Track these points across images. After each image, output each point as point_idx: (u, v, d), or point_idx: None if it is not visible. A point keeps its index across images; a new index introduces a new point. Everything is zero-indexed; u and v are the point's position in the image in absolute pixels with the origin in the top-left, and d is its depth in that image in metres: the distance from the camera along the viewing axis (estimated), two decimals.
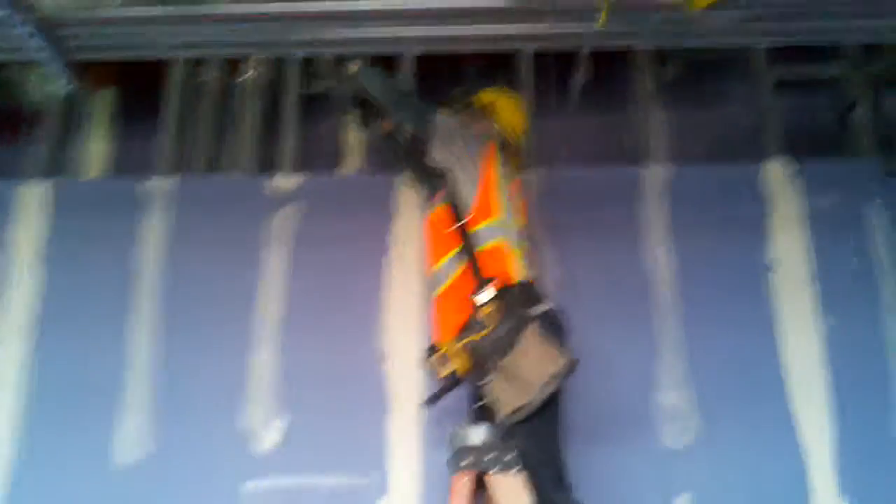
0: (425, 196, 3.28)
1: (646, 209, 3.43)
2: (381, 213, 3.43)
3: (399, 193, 3.46)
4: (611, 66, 3.76)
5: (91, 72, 3.81)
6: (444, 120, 3.09)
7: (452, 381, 2.72)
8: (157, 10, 3.26)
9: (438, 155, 3.02)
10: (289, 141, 3.68)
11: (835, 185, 3.46)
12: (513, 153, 3.21)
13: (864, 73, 3.77)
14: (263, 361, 3.21)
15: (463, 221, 2.89)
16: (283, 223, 3.41)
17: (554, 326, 2.77)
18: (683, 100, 4.04)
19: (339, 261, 3.35)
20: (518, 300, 2.77)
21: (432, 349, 2.75)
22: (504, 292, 2.76)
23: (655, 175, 3.49)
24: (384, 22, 3.36)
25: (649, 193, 3.46)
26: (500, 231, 2.88)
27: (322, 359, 3.22)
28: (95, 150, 4.03)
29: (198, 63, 3.89)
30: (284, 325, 3.26)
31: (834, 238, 3.37)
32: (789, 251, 3.35)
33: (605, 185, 3.50)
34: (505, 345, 2.67)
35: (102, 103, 4.10)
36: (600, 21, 3.03)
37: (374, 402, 3.15)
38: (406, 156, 3.37)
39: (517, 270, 2.84)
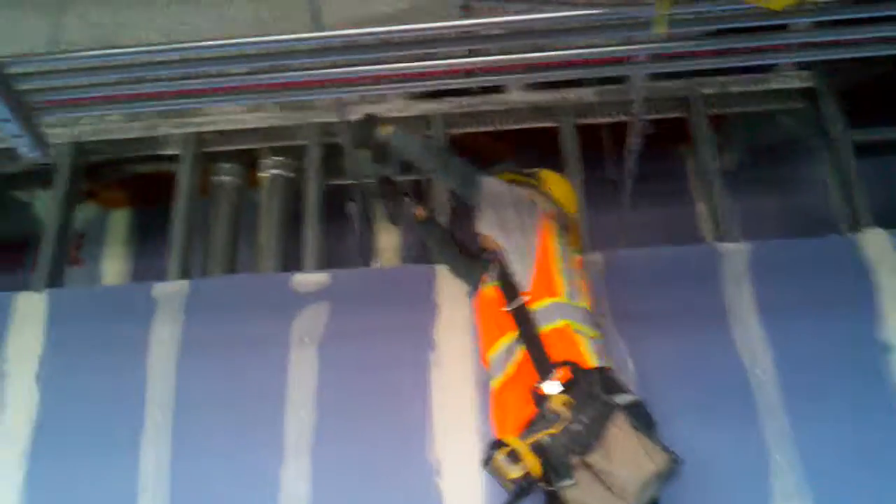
0: (471, 282, 2.91)
1: (728, 290, 3.04)
2: (422, 306, 3.05)
3: (441, 283, 3.08)
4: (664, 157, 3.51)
5: (104, 195, 3.63)
6: (494, 184, 2.76)
7: (524, 487, 2.23)
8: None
9: (487, 225, 2.68)
10: (312, 239, 3.32)
11: None
12: (569, 230, 2.85)
13: None
14: (294, 478, 2.76)
15: (520, 301, 2.53)
16: (311, 322, 3.02)
17: (644, 420, 2.36)
18: (747, 187, 3.83)
19: (377, 360, 2.95)
20: (597, 387, 2.36)
21: (496, 446, 2.29)
22: (578, 378, 2.36)
23: (735, 252, 3.12)
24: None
25: (729, 272, 3.07)
26: (564, 311, 2.51)
27: (364, 472, 2.77)
28: (111, 269, 3.79)
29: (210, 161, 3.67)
30: (317, 435, 2.83)
31: None
32: None
33: (678, 265, 3.12)
34: (588, 440, 2.24)
35: (117, 224, 3.89)
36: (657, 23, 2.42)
37: None
38: (445, 239, 3.03)
39: (589, 354, 2.44)
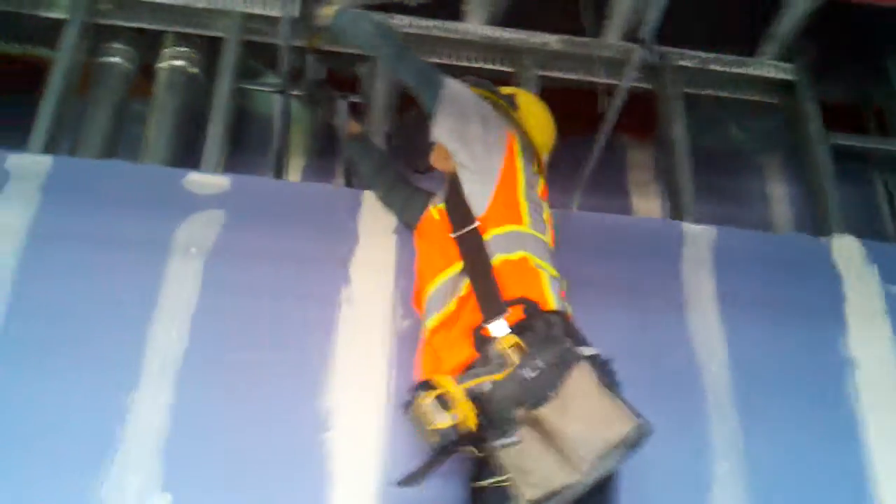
0: (408, 215, 2.57)
1: (688, 274, 2.81)
2: (340, 235, 2.67)
3: (366, 212, 2.71)
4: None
5: None
6: (459, 88, 2.40)
7: (451, 442, 1.88)
8: None
9: (445, 133, 2.32)
10: (215, 138, 2.89)
11: None
12: (538, 165, 2.51)
13: None
14: (148, 408, 2.31)
15: (472, 225, 2.21)
16: (201, 230, 2.60)
17: (610, 379, 2.05)
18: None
19: (277, 287, 2.55)
20: (557, 331, 2.05)
21: (423, 387, 1.94)
22: (533, 320, 2.05)
23: (699, 234, 2.90)
24: None
25: (691, 255, 2.85)
26: (525, 241, 2.20)
27: (237, 413, 2.34)
28: None
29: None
30: (187, 362, 2.39)
31: None
32: (871, 346, 2.76)
33: (636, 237, 2.87)
34: (541, 389, 1.90)
35: None
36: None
37: (312, 483, 2.29)
38: (380, 161, 2.66)
39: (550, 294, 2.13)
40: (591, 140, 3.01)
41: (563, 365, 1.93)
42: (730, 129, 4.08)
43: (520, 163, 2.32)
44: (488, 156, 2.29)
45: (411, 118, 2.59)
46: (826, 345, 2.78)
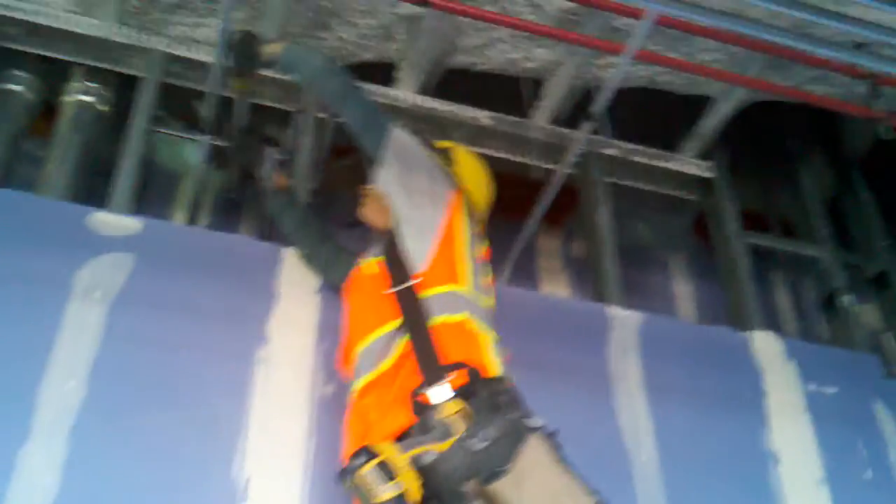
0: (333, 274, 2.47)
1: (615, 360, 2.80)
2: (257, 291, 2.52)
3: (286, 269, 2.58)
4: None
5: None
6: (406, 138, 2.35)
7: None
8: None
9: (389, 183, 2.26)
10: (126, 179, 2.70)
11: (833, 376, 3.04)
12: (476, 223, 2.46)
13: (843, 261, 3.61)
14: (40, 466, 2.05)
15: (410, 282, 2.12)
16: (107, 274, 2.40)
17: (560, 453, 1.94)
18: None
19: (187, 341, 2.36)
20: (503, 399, 1.96)
21: (364, 454, 1.79)
22: (476, 386, 1.95)
23: (625, 318, 2.92)
24: None
25: (617, 339, 2.85)
26: (466, 303, 2.12)
27: (140, 479, 2.10)
28: None
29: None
30: (84, 416, 2.15)
31: (843, 440, 2.90)
32: (793, 442, 2.81)
33: (568, 319, 2.86)
34: (493, 462, 1.82)
35: None
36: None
37: None
38: (304, 217, 2.56)
39: (492, 360, 2.05)
40: (509, 225, 3.01)
41: (514, 436, 1.85)
42: (636, 224, 4.19)
43: (462, 220, 2.27)
44: (431, 209, 2.23)
45: (345, 167, 2.52)
46: (750, 438, 2.81)
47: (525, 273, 3.97)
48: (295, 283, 2.59)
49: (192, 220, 2.82)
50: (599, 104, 2.50)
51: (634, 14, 2.60)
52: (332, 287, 2.56)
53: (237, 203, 3.15)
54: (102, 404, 2.21)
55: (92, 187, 2.91)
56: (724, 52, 3.05)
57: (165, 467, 2.17)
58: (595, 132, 2.67)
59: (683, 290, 4.09)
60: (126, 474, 2.13)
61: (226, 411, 2.30)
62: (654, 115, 3.57)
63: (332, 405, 2.39)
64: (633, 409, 2.72)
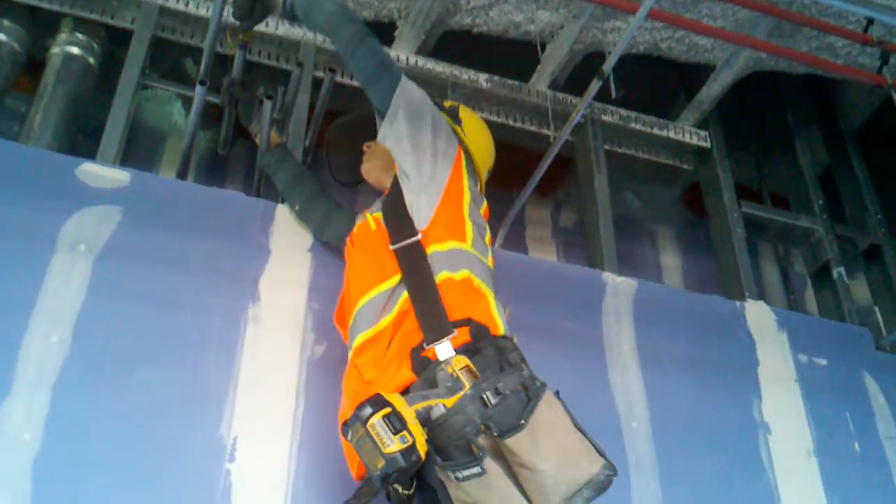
0: (329, 232, 2.39)
1: (609, 325, 2.73)
2: (249, 248, 2.43)
3: (278, 226, 2.48)
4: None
5: None
6: (415, 91, 2.20)
7: (398, 470, 1.63)
8: None
9: (394, 136, 2.11)
10: (114, 128, 2.57)
11: (824, 348, 3.00)
12: (477, 182, 2.36)
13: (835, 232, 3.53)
14: (19, 421, 1.97)
15: (414, 238, 2.01)
16: (93, 226, 2.29)
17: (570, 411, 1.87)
18: (577, 251, 3.60)
19: (175, 297, 2.26)
20: (514, 356, 1.88)
21: (376, 403, 1.68)
22: (481, 343, 1.86)
23: (619, 284, 2.84)
24: None
25: (611, 305, 2.78)
26: (469, 260, 2.02)
27: (123, 434, 2.03)
28: None
29: None
30: (67, 370, 2.06)
31: (832, 412, 2.86)
32: (783, 412, 2.77)
33: (562, 284, 2.77)
34: (509, 418, 1.71)
35: None
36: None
37: None
38: (298, 173, 2.46)
39: (499, 318, 1.96)
40: (497, 194, 2.91)
41: (528, 392, 1.76)
42: (625, 195, 4.11)
43: (466, 179, 2.17)
44: (435, 166, 2.11)
45: (347, 123, 2.41)
46: (742, 408, 2.76)
47: (514, 242, 3.88)
48: (287, 240, 2.49)
49: (180, 177, 2.70)
50: (610, 63, 2.40)
51: None
52: (326, 245, 2.48)
53: (224, 161, 3.03)
54: (86, 360, 2.12)
55: (74, 143, 2.78)
56: (728, 20, 2.98)
57: (151, 425, 2.09)
58: (602, 94, 2.57)
59: (671, 262, 3.98)
60: (110, 432, 2.05)
61: (214, 370, 2.22)
62: (644, 84, 3.49)
63: (323, 366, 2.32)
64: (626, 376, 2.66)
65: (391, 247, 2.03)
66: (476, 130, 2.40)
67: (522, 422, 1.70)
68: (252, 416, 2.17)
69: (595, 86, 2.43)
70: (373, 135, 2.25)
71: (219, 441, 2.11)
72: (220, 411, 2.15)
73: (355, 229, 2.21)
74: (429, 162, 2.11)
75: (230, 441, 2.12)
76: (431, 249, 2.00)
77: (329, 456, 2.13)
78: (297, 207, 2.49)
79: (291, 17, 2.24)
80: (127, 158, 2.71)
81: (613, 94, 2.43)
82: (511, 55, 3.27)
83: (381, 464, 1.64)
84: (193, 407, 2.14)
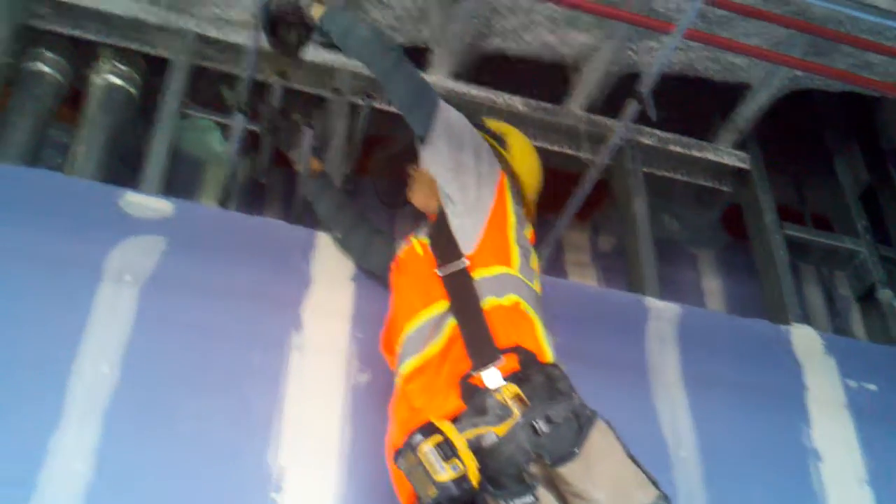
0: (371, 260, 2.42)
1: (652, 353, 2.71)
2: (292, 276, 2.46)
3: (320, 254, 2.51)
4: None
5: None
6: (454, 115, 2.23)
7: (451, 498, 1.64)
8: None
9: (436, 162, 2.16)
10: (157, 159, 2.63)
11: (873, 373, 2.93)
12: (525, 207, 2.38)
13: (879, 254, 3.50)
14: (71, 451, 1.98)
15: (460, 263, 2.02)
16: (138, 256, 2.32)
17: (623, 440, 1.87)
18: (616, 276, 3.63)
19: (220, 325, 2.29)
20: (564, 384, 1.87)
21: (426, 431, 1.70)
22: (530, 371, 1.86)
23: (663, 310, 2.83)
24: None
25: (655, 331, 2.76)
26: (517, 285, 2.02)
27: (173, 465, 2.04)
28: None
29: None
30: (116, 400, 2.08)
31: (885, 439, 2.76)
32: (834, 440, 2.71)
33: (605, 309, 2.77)
34: (562, 446, 1.71)
35: None
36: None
37: None
38: (339, 201, 2.49)
39: (546, 346, 1.96)
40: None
41: (580, 420, 1.76)
42: (663, 218, 4.11)
43: (510, 202, 2.17)
44: (479, 189, 2.13)
45: (392, 148, 2.44)
46: (791, 435, 2.71)
47: (553, 266, 3.89)
48: (329, 268, 2.51)
49: (222, 206, 2.74)
50: (646, 84, 2.41)
51: None
52: (368, 272, 2.50)
53: (261, 188, 3.08)
54: (135, 389, 2.14)
55: (113, 172, 2.83)
56: (764, 38, 2.97)
57: (198, 455, 2.11)
58: (639, 116, 2.58)
59: (712, 286, 3.98)
60: (158, 461, 2.07)
61: (259, 398, 2.23)
62: (678, 105, 3.50)
63: (367, 393, 2.33)
64: (672, 403, 2.63)
65: (437, 272, 2.05)
66: (524, 153, 2.42)
67: (575, 450, 1.70)
68: (298, 445, 2.18)
69: (631, 107, 2.43)
70: (416, 160, 2.27)
71: (265, 470, 2.11)
72: (266, 440, 2.15)
73: (401, 254, 2.22)
74: (472, 186, 2.13)
75: (276, 470, 2.12)
76: (478, 275, 2.01)
77: (375, 484, 2.13)
78: (338, 235, 2.51)
79: (326, 37, 2.28)
80: (165, 186, 2.77)
81: (652, 117, 2.45)
82: (545, 78, 3.30)
83: (432, 492, 1.65)
84: (240, 435, 2.15)
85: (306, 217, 2.68)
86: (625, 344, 2.73)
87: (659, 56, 2.47)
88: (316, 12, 2.30)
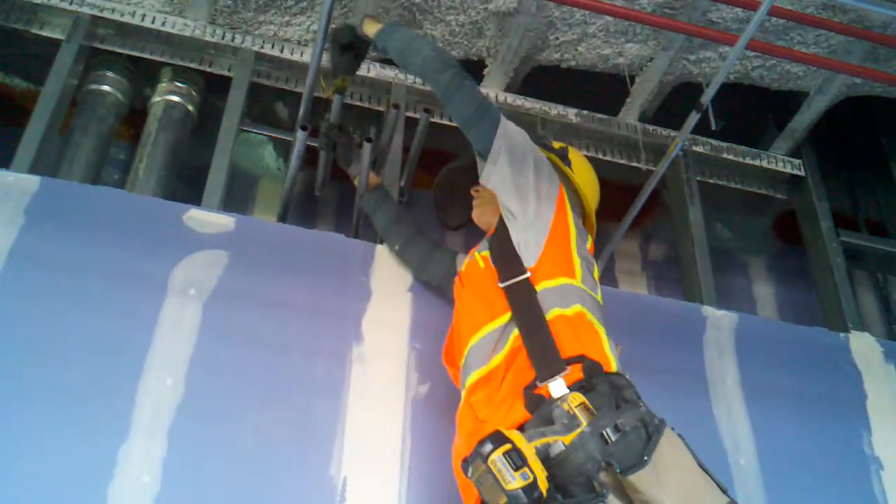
0: (430, 272, 2.43)
1: (711, 360, 2.69)
2: (351, 289, 2.47)
3: (379, 267, 2.52)
4: None
5: None
6: (515, 131, 2.22)
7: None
8: None
9: (497, 178, 2.13)
10: (218, 176, 2.65)
11: None
12: (586, 220, 2.38)
13: None
14: (138, 464, 2.01)
15: (523, 275, 2.01)
16: (202, 271, 2.35)
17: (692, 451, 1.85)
18: (667, 284, 3.64)
19: (282, 339, 2.31)
20: (631, 393, 1.86)
21: (496, 440, 1.67)
22: (595, 380, 1.84)
23: (720, 318, 2.80)
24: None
25: (713, 339, 2.74)
26: (581, 296, 2.01)
27: (238, 477, 2.06)
28: None
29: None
30: (181, 414, 2.11)
31: None
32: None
33: (662, 319, 2.75)
34: (632, 454, 1.69)
35: None
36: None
37: None
38: (397, 215, 2.49)
39: (611, 355, 1.95)
40: None
41: (649, 429, 1.75)
42: (715, 226, 4.07)
43: (570, 216, 2.17)
44: (539, 204, 2.12)
45: (454, 168, 2.45)
46: (852, 442, 2.69)
47: (604, 275, 3.84)
48: (387, 281, 2.53)
49: (281, 220, 2.77)
50: (708, 94, 2.39)
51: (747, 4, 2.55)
52: (426, 285, 2.51)
53: (315, 201, 3.10)
54: (199, 402, 2.17)
55: (175, 189, 2.89)
56: (821, 46, 2.95)
57: (262, 467, 2.12)
58: (700, 125, 2.57)
59: (765, 293, 3.93)
60: (223, 474, 2.09)
61: (322, 411, 2.25)
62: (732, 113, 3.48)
63: (427, 405, 2.34)
64: (731, 412, 2.61)
65: (500, 285, 2.04)
66: (585, 171, 2.41)
67: (646, 458, 1.68)
68: (361, 457, 2.19)
69: (693, 118, 2.42)
70: (477, 179, 2.28)
71: (329, 482, 2.13)
72: (330, 452, 2.17)
73: (464, 268, 2.23)
74: (533, 200, 2.13)
75: (340, 482, 2.14)
76: (541, 286, 2.00)
77: (438, 495, 2.15)
78: (396, 248, 2.52)
79: (387, 54, 2.31)
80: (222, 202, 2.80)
81: (713, 126, 2.43)
82: (599, 88, 3.29)
83: (502, 500, 1.63)
84: (303, 448, 2.17)
85: (364, 230, 2.70)
86: (683, 353, 2.71)
87: (720, 67, 2.46)
88: (370, 28, 2.32)
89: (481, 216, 2.35)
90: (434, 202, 2.63)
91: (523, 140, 2.22)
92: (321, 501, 2.12)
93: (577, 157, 2.42)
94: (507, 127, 2.20)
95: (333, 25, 2.45)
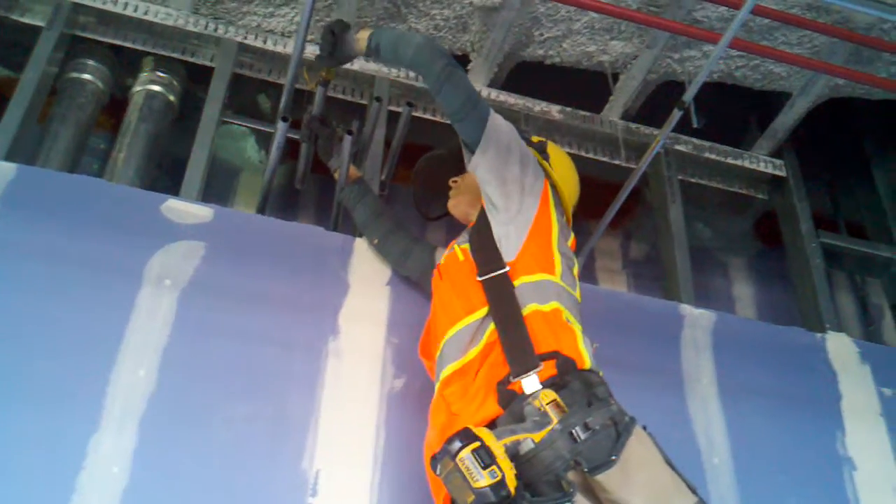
0: (409, 266, 2.40)
1: (687, 358, 2.67)
2: (329, 282, 2.43)
3: (357, 260, 2.48)
4: None
5: None
6: (503, 124, 2.19)
7: (496, 502, 1.59)
8: None
9: (483, 168, 2.10)
10: (197, 166, 2.62)
11: None
12: (563, 215, 2.32)
13: None
14: (108, 454, 1.97)
15: (502, 269, 1.99)
16: (178, 262, 2.31)
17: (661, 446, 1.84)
18: (648, 283, 3.59)
19: (258, 331, 2.27)
20: (599, 393, 1.82)
21: (464, 437, 1.65)
22: (568, 377, 1.83)
23: (698, 317, 2.78)
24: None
25: (689, 338, 2.72)
26: (558, 292, 1.99)
27: (208, 470, 2.03)
28: None
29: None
30: (153, 405, 2.07)
31: None
32: (869, 448, 2.66)
33: (639, 316, 2.72)
34: (599, 453, 1.68)
35: None
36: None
37: None
38: (377, 208, 2.46)
39: (585, 353, 1.92)
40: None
41: (618, 427, 1.73)
42: (695, 225, 4.05)
43: (553, 212, 2.14)
44: (523, 199, 2.10)
45: (432, 158, 2.41)
46: (826, 442, 2.67)
47: (584, 273, 3.83)
48: (365, 274, 2.49)
49: (260, 212, 2.73)
50: (690, 92, 2.37)
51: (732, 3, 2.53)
52: (404, 278, 2.48)
53: (295, 194, 3.06)
54: (172, 394, 2.13)
55: (153, 179, 2.85)
56: (805, 47, 2.93)
57: (234, 459, 2.09)
58: (683, 124, 2.54)
59: (744, 293, 3.90)
60: (195, 466, 2.05)
61: (296, 404, 2.21)
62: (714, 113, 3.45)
63: (402, 399, 2.31)
64: (707, 410, 2.59)
65: (478, 278, 2.02)
66: (563, 165, 2.37)
67: (613, 457, 1.67)
68: (334, 450, 2.16)
69: (676, 116, 2.39)
70: (457, 170, 2.26)
71: (302, 475, 2.10)
72: (303, 445, 2.14)
73: (443, 260, 2.20)
74: (517, 195, 2.10)
75: (313, 475, 2.10)
76: (520, 281, 1.98)
77: (411, 490, 2.12)
78: (375, 241, 2.49)
79: (375, 56, 2.27)
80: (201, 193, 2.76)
81: (695, 124, 2.41)
82: (583, 86, 3.26)
83: (470, 498, 1.60)
84: (276, 441, 2.13)
85: (343, 223, 2.66)
86: (660, 351, 2.69)
87: (703, 66, 2.43)
88: (362, 35, 2.26)
89: (457, 206, 2.32)
90: (412, 193, 2.61)
91: (511, 135, 2.19)
92: (293, 495, 2.08)
93: (556, 152, 2.38)
94: (495, 120, 2.17)
95: (317, 18, 2.41)
